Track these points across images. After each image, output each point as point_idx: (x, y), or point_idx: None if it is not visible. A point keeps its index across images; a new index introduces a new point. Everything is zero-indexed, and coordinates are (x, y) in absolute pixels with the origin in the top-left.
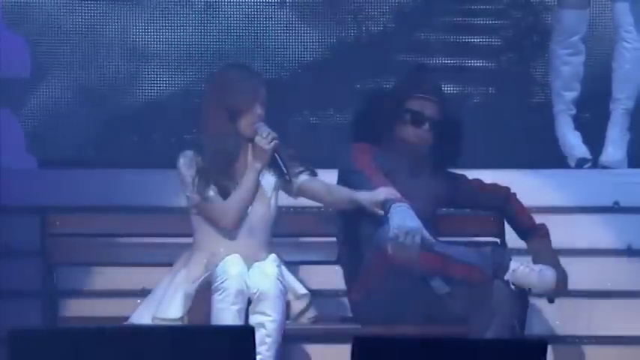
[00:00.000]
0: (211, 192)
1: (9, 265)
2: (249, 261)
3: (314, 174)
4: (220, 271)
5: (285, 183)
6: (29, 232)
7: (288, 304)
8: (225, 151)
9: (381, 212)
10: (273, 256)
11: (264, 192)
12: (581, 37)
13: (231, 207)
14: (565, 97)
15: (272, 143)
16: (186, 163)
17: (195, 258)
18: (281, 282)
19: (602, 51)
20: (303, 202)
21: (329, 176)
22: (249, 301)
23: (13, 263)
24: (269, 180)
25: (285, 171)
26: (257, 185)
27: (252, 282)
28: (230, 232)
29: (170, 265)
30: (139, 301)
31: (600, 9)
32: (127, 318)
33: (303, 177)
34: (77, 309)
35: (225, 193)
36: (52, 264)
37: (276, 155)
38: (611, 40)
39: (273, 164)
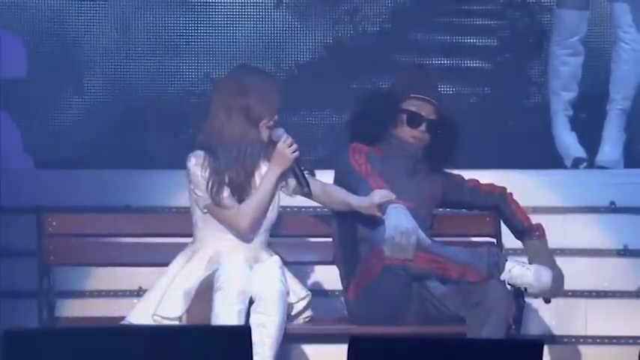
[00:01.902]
0: (225, 194)
1: (5, 265)
2: (252, 261)
3: (312, 173)
4: (222, 271)
5: (304, 194)
6: (25, 232)
7: (289, 306)
8: (250, 157)
9: (379, 214)
10: (275, 257)
11: None
12: (580, 38)
13: (249, 211)
14: (563, 98)
15: (295, 153)
16: (199, 162)
17: (197, 256)
18: (283, 283)
19: (600, 51)
20: (300, 202)
21: (325, 176)
22: (251, 302)
23: (9, 263)
24: None
25: (303, 182)
26: (275, 190)
27: (254, 283)
28: (234, 231)
29: (166, 264)
30: (135, 301)
31: (599, 10)
32: (123, 318)
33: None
34: (74, 309)
35: (240, 197)
36: (49, 264)
37: (295, 165)
38: (608, 41)
39: (293, 172)
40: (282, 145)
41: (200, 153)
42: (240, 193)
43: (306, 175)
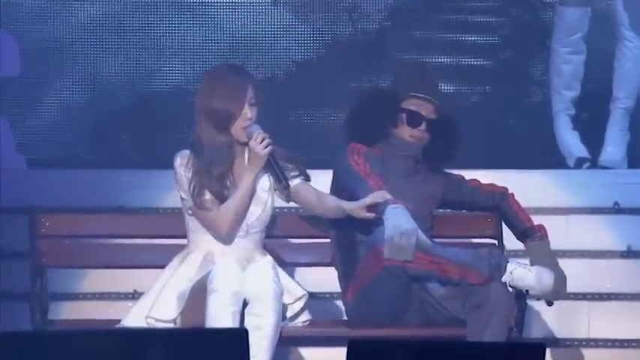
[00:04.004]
0: (207, 197)
1: None
2: (245, 262)
3: (307, 179)
4: (215, 273)
5: (282, 189)
6: (18, 233)
7: (284, 307)
8: (219, 161)
9: (370, 215)
10: (268, 257)
11: (260, 193)
12: (582, 36)
13: (226, 213)
14: (565, 97)
15: (267, 149)
16: (183, 163)
17: (190, 258)
18: (276, 283)
19: (603, 49)
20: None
21: (324, 177)
22: (245, 304)
23: (1, 265)
24: (264, 181)
25: (281, 177)
26: (253, 190)
27: (247, 284)
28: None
29: (162, 267)
30: (130, 304)
31: (601, 7)
32: (118, 321)
33: (296, 181)
34: (67, 312)
35: (221, 199)
36: (42, 266)
37: (272, 160)
38: (611, 39)
39: (269, 168)
40: (253, 142)
41: (186, 152)
42: (219, 195)
43: (298, 177)
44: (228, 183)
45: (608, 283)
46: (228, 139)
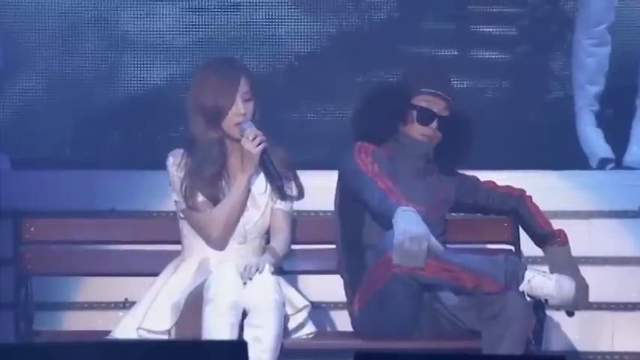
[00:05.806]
0: (199, 199)
1: None
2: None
3: (299, 196)
4: (212, 281)
5: (277, 190)
6: (1, 239)
7: (285, 318)
8: (210, 160)
9: None
10: (269, 265)
11: (257, 196)
12: (607, 27)
13: (218, 216)
14: (588, 92)
15: (260, 147)
16: (176, 162)
17: (184, 265)
18: (278, 293)
19: (629, 41)
20: (299, 206)
21: (328, 177)
22: (244, 314)
23: None
24: (261, 183)
25: (275, 177)
26: (247, 192)
27: (246, 293)
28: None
29: (156, 274)
30: (121, 314)
31: None
32: (108, 332)
33: (282, 204)
34: (54, 322)
35: (214, 201)
36: (27, 273)
37: (266, 159)
38: (639, 30)
39: (264, 168)
40: (244, 140)
41: (179, 152)
42: (212, 197)
43: (284, 202)
44: (222, 184)
45: (634, 292)
46: (220, 135)
